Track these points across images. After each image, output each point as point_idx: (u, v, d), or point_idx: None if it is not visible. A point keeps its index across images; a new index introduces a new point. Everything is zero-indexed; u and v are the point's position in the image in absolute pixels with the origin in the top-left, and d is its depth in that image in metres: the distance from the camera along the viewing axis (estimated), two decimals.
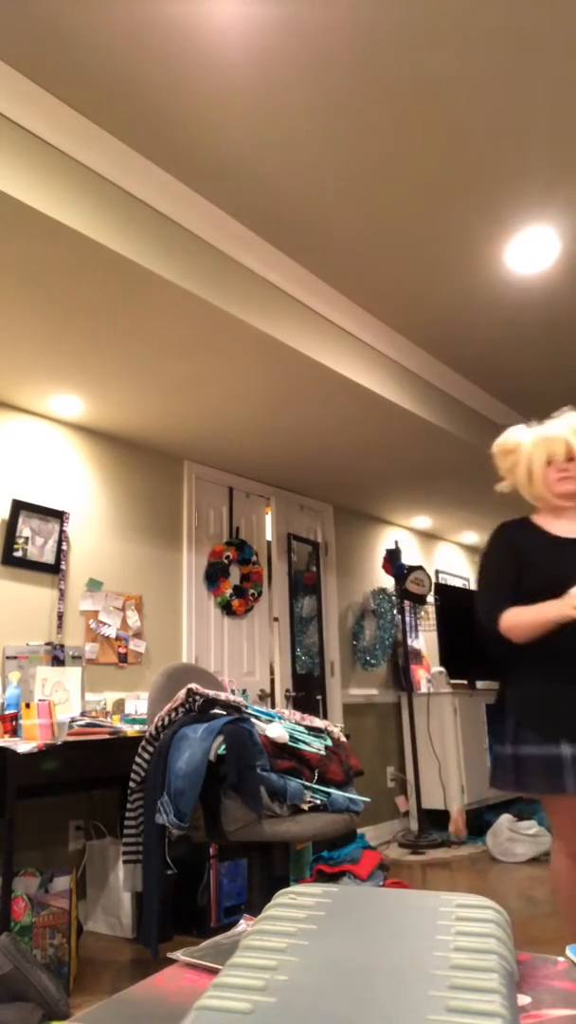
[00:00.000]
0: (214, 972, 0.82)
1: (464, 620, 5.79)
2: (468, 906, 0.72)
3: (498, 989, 0.56)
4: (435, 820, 5.08)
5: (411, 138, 2.44)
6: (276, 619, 4.75)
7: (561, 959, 0.79)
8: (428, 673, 5.78)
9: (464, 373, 4.25)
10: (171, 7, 1.98)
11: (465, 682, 5.64)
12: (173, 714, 2.33)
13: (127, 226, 2.51)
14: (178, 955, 0.87)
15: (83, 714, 3.21)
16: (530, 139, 2.45)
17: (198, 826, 2.14)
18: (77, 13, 1.99)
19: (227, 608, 4.43)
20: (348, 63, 2.15)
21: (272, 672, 4.69)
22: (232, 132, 2.41)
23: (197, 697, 2.32)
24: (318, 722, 2.44)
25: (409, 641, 5.78)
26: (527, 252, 3.06)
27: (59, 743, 2.70)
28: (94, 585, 3.74)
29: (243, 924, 1.01)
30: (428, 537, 6.58)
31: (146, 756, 2.35)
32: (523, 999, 0.70)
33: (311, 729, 2.38)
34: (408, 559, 6.09)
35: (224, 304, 2.81)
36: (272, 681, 4.68)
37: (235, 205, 2.77)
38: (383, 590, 5.69)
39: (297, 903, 0.75)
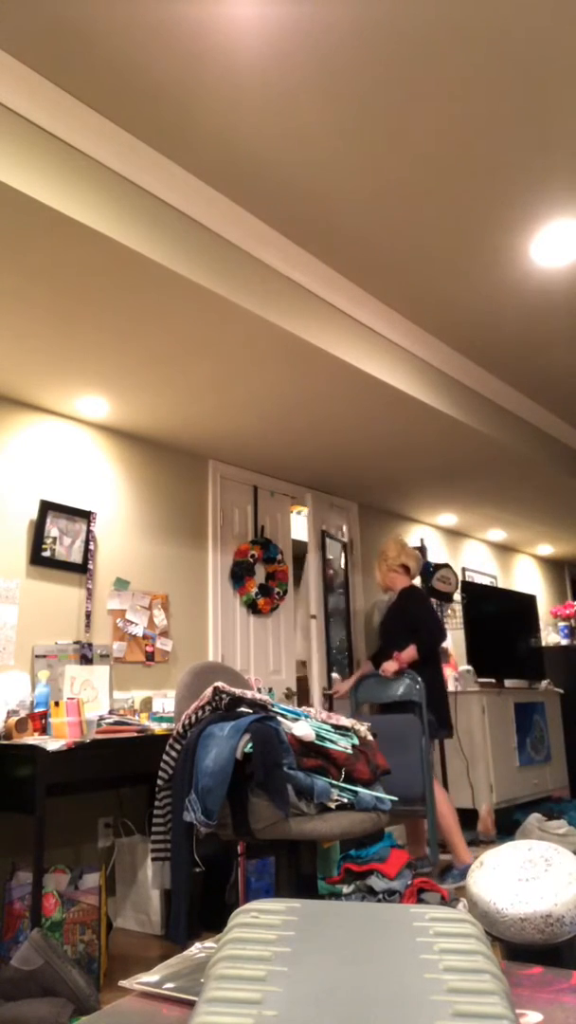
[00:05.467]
0: (177, 1002, 0.76)
1: (492, 618, 5.74)
2: (444, 920, 0.68)
3: (506, 1015, 0.55)
4: (463, 819, 5.04)
5: (434, 134, 2.42)
6: (313, 616, 4.72)
7: None
8: (455, 671, 5.73)
9: (490, 369, 4.21)
10: (188, 8, 1.98)
11: (493, 680, 5.59)
12: (200, 712, 2.34)
13: (150, 227, 2.52)
14: (132, 984, 0.80)
15: (111, 712, 3.23)
16: (555, 133, 2.42)
17: (225, 824, 2.15)
18: (95, 12, 2.00)
19: (253, 607, 4.43)
20: (367, 62, 2.14)
21: (308, 669, 4.67)
22: (253, 131, 2.41)
23: (223, 695, 2.33)
24: (344, 720, 2.43)
25: None
26: (553, 246, 3.02)
27: (88, 741, 2.72)
28: (121, 584, 3.77)
29: (197, 946, 0.95)
30: (454, 535, 6.53)
31: (173, 754, 2.36)
32: (534, 1016, 0.68)
33: (337, 727, 2.37)
34: (434, 557, 6.05)
35: (248, 303, 2.81)
36: (307, 679, 4.67)
37: (258, 204, 2.77)
38: None
39: (261, 922, 0.68)
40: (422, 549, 5.41)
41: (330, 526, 5.17)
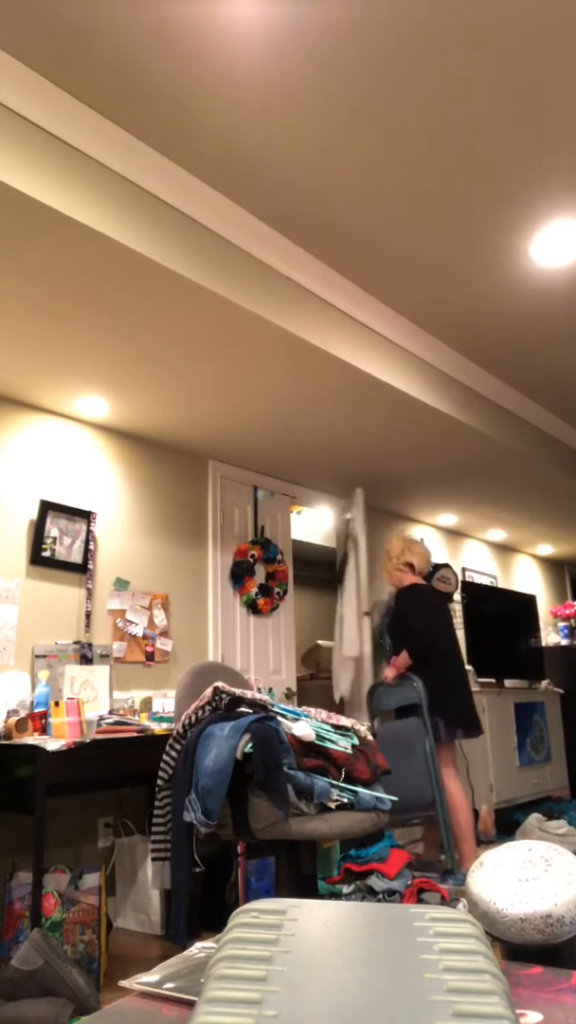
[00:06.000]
0: (177, 1002, 0.76)
1: (492, 618, 5.74)
2: (444, 920, 0.68)
3: (506, 1015, 0.55)
4: None
5: (433, 134, 2.42)
6: (368, 613, 4.65)
7: None
8: None
9: (490, 369, 4.21)
10: (188, 8, 1.98)
11: (493, 680, 5.59)
12: (200, 712, 2.34)
13: (150, 227, 2.52)
14: (132, 984, 0.80)
15: (111, 712, 3.23)
16: (555, 133, 2.42)
17: (225, 824, 2.15)
18: (96, 12, 2.00)
19: (253, 607, 4.43)
20: (367, 62, 2.14)
21: (359, 667, 4.53)
22: (253, 131, 2.41)
23: (223, 695, 2.33)
24: (344, 720, 2.43)
25: None
26: (553, 246, 3.02)
27: (88, 741, 2.72)
28: (121, 584, 3.77)
29: (197, 946, 0.95)
30: (454, 535, 6.53)
31: (173, 754, 2.36)
32: (534, 1016, 0.68)
33: (337, 727, 2.37)
34: (434, 557, 6.05)
35: (248, 303, 2.81)
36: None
37: (258, 204, 2.77)
38: None
39: (261, 922, 0.68)
40: None
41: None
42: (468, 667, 5.40)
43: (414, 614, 3.94)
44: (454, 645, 3.97)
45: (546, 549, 7.49)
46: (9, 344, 2.99)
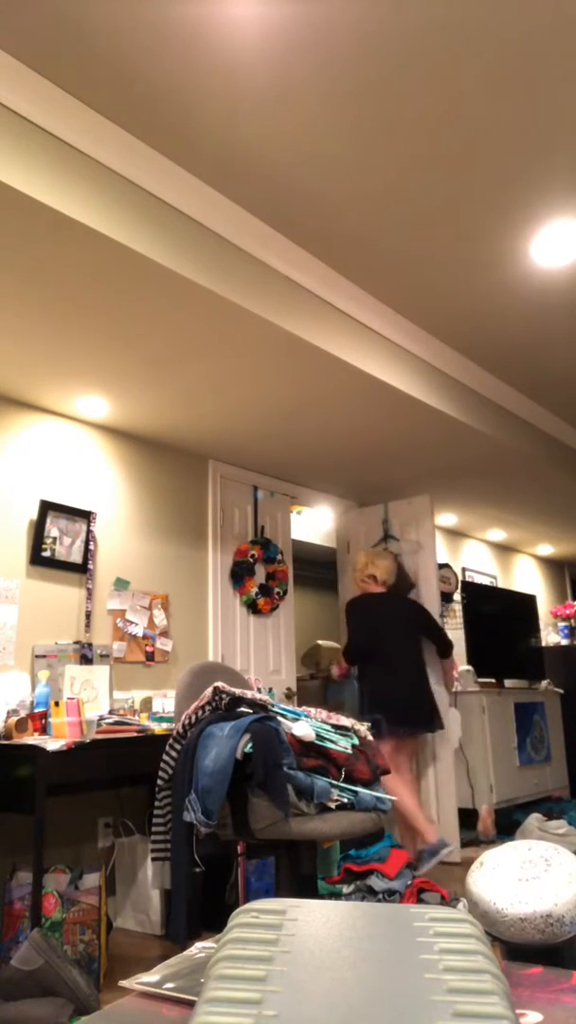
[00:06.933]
0: (177, 1002, 0.76)
1: (492, 618, 5.74)
2: (444, 920, 0.68)
3: (506, 1015, 0.55)
4: (463, 819, 5.04)
5: (433, 134, 2.42)
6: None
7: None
8: (455, 672, 5.73)
9: (490, 369, 4.21)
10: (187, 8, 1.98)
11: (493, 680, 5.59)
12: (200, 712, 2.34)
13: (150, 227, 2.52)
14: (132, 984, 0.80)
15: (111, 712, 3.23)
16: (555, 133, 2.42)
17: (225, 824, 2.15)
18: (96, 11, 2.00)
19: (252, 607, 4.43)
20: (367, 63, 2.14)
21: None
22: (253, 132, 2.41)
23: (223, 695, 2.33)
24: (344, 720, 2.43)
25: None
26: (553, 246, 3.02)
27: (88, 741, 2.72)
28: (121, 584, 3.77)
29: (197, 946, 0.96)
30: (454, 534, 6.53)
31: (173, 754, 2.36)
32: (534, 1016, 0.68)
33: (337, 727, 2.37)
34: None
35: (248, 303, 2.81)
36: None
37: (258, 204, 2.77)
38: None
39: (262, 922, 0.69)
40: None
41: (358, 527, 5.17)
42: (468, 667, 5.40)
43: (348, 623, 4.26)
44: (396, 648, 4.17)
45: (546, 549, 7.49)
46: (9, 344, 2.99)
